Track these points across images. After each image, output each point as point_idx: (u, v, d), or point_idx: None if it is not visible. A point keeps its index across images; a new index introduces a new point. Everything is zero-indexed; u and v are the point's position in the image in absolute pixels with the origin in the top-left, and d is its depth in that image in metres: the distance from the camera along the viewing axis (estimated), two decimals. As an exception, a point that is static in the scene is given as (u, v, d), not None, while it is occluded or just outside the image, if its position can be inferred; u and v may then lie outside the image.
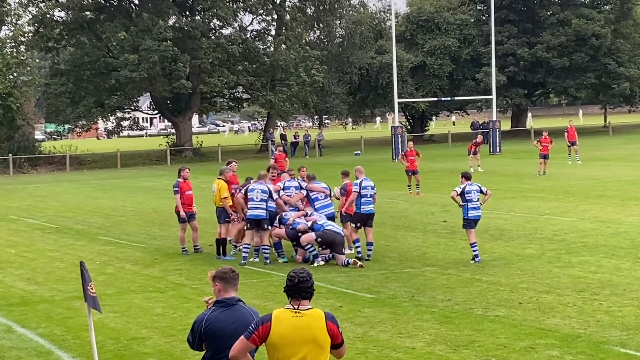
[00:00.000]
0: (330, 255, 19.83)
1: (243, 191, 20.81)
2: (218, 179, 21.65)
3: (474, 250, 19.23)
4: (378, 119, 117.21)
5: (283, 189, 21.21)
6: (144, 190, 41.83)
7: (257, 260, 20.19)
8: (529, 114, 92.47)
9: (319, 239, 19.60)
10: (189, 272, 19.47)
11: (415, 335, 13.21)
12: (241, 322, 7.63)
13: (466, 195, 19.45)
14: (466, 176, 20.02)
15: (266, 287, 17.29)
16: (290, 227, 20.24)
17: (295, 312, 7.09)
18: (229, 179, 21.73)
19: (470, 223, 19.43)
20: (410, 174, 35.08)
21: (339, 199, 21.91)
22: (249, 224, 20.13)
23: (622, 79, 76.79)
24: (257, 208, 19.90)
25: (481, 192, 19.67)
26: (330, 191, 21.37)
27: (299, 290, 7.18)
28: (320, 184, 21.55)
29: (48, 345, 13.55)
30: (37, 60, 78.98)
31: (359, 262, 19.19)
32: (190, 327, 7.97)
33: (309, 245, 19.74)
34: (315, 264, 19.44)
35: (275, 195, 20.40)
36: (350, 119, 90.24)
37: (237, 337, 7.39)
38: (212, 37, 68.28)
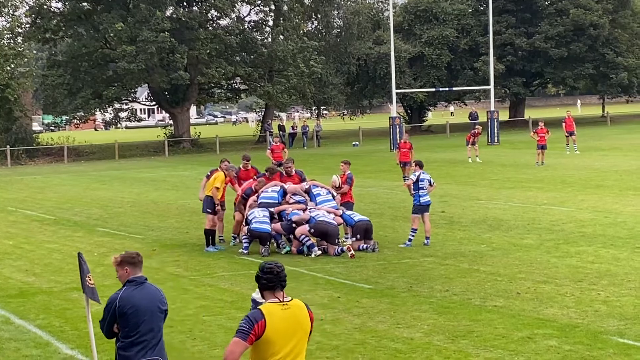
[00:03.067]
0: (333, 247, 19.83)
1: (255, 197, 20.94)
2: (219, 170, 21.59)
3: (411, 235, 20.28)
4: (391, 106, 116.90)
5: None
6: (142, 182, 41.80)
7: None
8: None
9: (312, 230, 19.64)
10: (187, 264, 19.46)
11: (413, 325, 13.22)
12: (152, 298, 8.19)
13: (419, 183, 20.36)
14: (420, 164, 21.01)
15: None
16: (287, 218, 20.26)
17: (283, 304, 7.10)
18: (226, 169, 21.70)
19: (422, 208, 20.25)
20: (402, 165, 35.24)
21: (337, 187, 21.92)
22: (251, 236, 20.08)
23: (620, 69, 76.78)
24: (262, 222, 19.96)
25: (430, 183, 20.55)
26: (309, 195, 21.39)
27: (280, 280, 7.17)
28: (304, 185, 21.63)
29: (46, 337, 13.55)
30: (35, 52, 78.90)
31: (352, 252, 19.19)
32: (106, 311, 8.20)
33: (304, 236, 19.76)
34: (313, 255, 19.45)
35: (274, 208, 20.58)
36: (345, 111, 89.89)
37: (149, 312, 8.00)
38: (210, 28, 68.20)
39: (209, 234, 21.02)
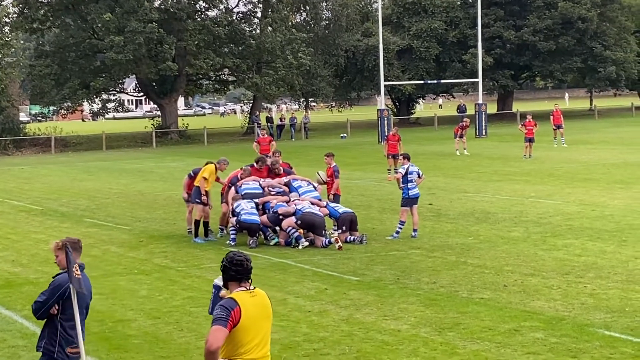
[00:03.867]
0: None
1: (233, 189, 20.91)
2: (210, 163, 21.51)
3: (399, 227, 20.27)
4: (378, 98, 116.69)
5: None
6: (130, 173, 41.72)
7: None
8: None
9: (299, 222, 19.64)
10: (175, 255, 19.44)
11: (400, 317, 13.23)
12: (87, 285, 8.81)
13: (408, 176, 20.36)
14: (407, 157, 21.09)
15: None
16: (272, 210, 20.27)
17: (250, 292, 7.27)
18: (221, 169, 21.61)
19: (411, 201, 20.27)
20: (390, 157, 35.22)
21: (323, 183, 22.00)
22: (240, 227, 20.06)
23: (608, 62, 76.89)
24: (251, 214, 19.95)
25: (418, 175, 20.61)
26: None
27: (248, 271, 7.34)
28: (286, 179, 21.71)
29: (33, 327, 13.50)
30: (22, 42, 78.60)
31: (340, 243, 19.19)
32: (52, 292, 8.60)
33: (290, 228, 19.76)
34: (300, 246, 19.45)
35: (259, 199, 20.59)
36: (333, 103, 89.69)
37: (88, 297, 8.68)
38: (198, 19, 67.99)
39: (198, 225, 20.98)
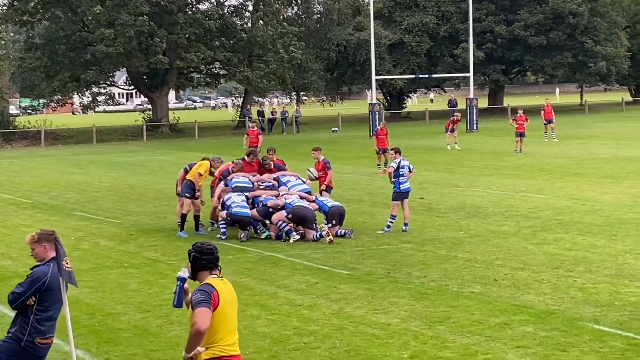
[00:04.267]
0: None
1: (223, 183, 20.90)
2: (206, 159, 21.48)
3: (390, 221, 20.24)
4: (369, 93, 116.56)
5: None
6: (120, 166, 41.64)
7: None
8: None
9: (290, 216, 19.64)
10: (165, 248, 19.42)
11: (390, 311, 13.24)
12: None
13: (400, 170, 20.33)
14: (398, 151, 20.97)
15: (242, 264, 17.27)
16: (262, 204, 20.27)
17: (221, 278, 7.46)
18: (215, 167, 21.54)
19: (402, 195, 20.26)
20: (380, 152, 35.12)
21: (315, 179, 22.06)
22: (230, 220, 20.04)
23: (598, 57, 76.96)
24: (242, 207, 19.94)
25: (409, 170, 20.60)
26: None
27: (217, 259, 7.52)
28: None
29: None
30: (12, 34, 78.18)
31: (331, 237, 19.19)
32: (32, 283, 8.67)
33: (281, 222, 19.76)
34: (291, 240, 19.44)
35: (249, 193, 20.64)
36: (324, 97, 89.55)
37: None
38: (189, 12, 67.82)
39: (185, 219, 20.94)
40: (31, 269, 8.93)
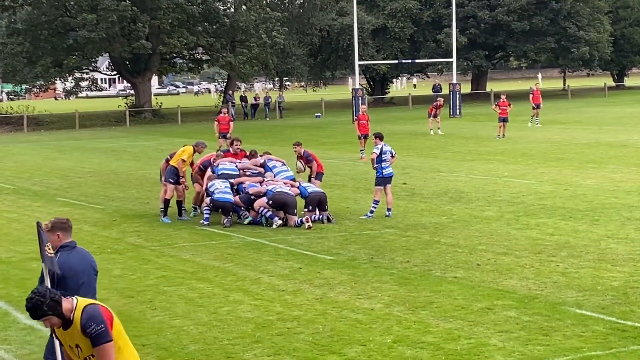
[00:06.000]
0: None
1: (210, 170, 20.91)
2: (187, 145, 21.47)
3: (373, 207, 20.30)
4: (350, 79, 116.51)
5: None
6: (103, 152, 41.51)
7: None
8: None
9: (271, 202, 19.64)
10: (148, 234, 19.39)
11: (374, 296, 13.27)
12: (86, 260, 8.66)
13: (383, 156, 20.36)
14: (380, 136, 20.93)
15: (225, 249, 17.26)
16: (245, 191, 20.28)
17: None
18: (199, 152, 21.51)
19: (385, 180, 20.31)
20: (362, 138, 34.93)
21: (303, 171, 22.12)
22: (213, 206, 20.03)
23: (581, 42, 77.14)
24: (224, 192, 19.94)
25: (392, 155, 20.62)
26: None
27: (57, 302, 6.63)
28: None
29: (5, 307, 13.46)
30: (-7, 19, 77.56)
31: (309, 223, 19.19)
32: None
33: (262, 208, 19.76)
34: (274, 225, 19.45)
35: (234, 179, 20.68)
36: (307, 82, 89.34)
37: (86, 274, 8.33)
38: (172, -3, 67.52)
39: (168, 205, 20.92)
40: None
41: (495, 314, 12.10)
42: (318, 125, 56.23)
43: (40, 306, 6.52)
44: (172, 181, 20.78)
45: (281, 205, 19.69)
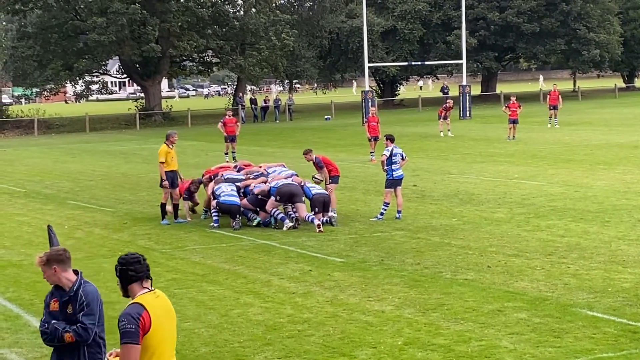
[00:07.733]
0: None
1: (214, 182, 21.10)
2: (165, 143, 21.70)
3: (383, 209, 20.28)
4: (354, 82, 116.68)
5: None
6: (113, 155, 41.59)
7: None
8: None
9: (278, 197, 19.65)
10: (159, 237, 19.41)
11: (384, 298, 13.26)
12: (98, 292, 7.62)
13: (393, 158, 20.36)
14: (391, 138, 20.89)
15: (236, 252, 17.27)
16: (251, 192, 20.36)
17: (154, 293, 6.81)
18: (173, 142, 21.70)
19: (395, 182, 20.28)
20: (372, 140, 34.83)
21: (321, 181, 21.95)
22: (220, 210, 20.11)
23: (591, 44, 76.91)
24: (230, 195, 20.03)
25: (402, 157, 20.62)
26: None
27: (147, 269, 6.84)
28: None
29: (16, 310, 13.49)
30: (4, 23, 78.01)
31: (321, 228, 19.10)
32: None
33: (274, 210, 19.79)
34: (285, 228, 19.45)
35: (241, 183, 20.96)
36: (316, 85, 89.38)
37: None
38: (182, 0, 67.64)
39: (164, 208, 21.20)
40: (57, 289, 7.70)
41: (506, 316, 12.07)
42: (328, 127, 56.22)
43: (144, 262, 6.80)
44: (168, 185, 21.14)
45: (288, 196, 19.68)
